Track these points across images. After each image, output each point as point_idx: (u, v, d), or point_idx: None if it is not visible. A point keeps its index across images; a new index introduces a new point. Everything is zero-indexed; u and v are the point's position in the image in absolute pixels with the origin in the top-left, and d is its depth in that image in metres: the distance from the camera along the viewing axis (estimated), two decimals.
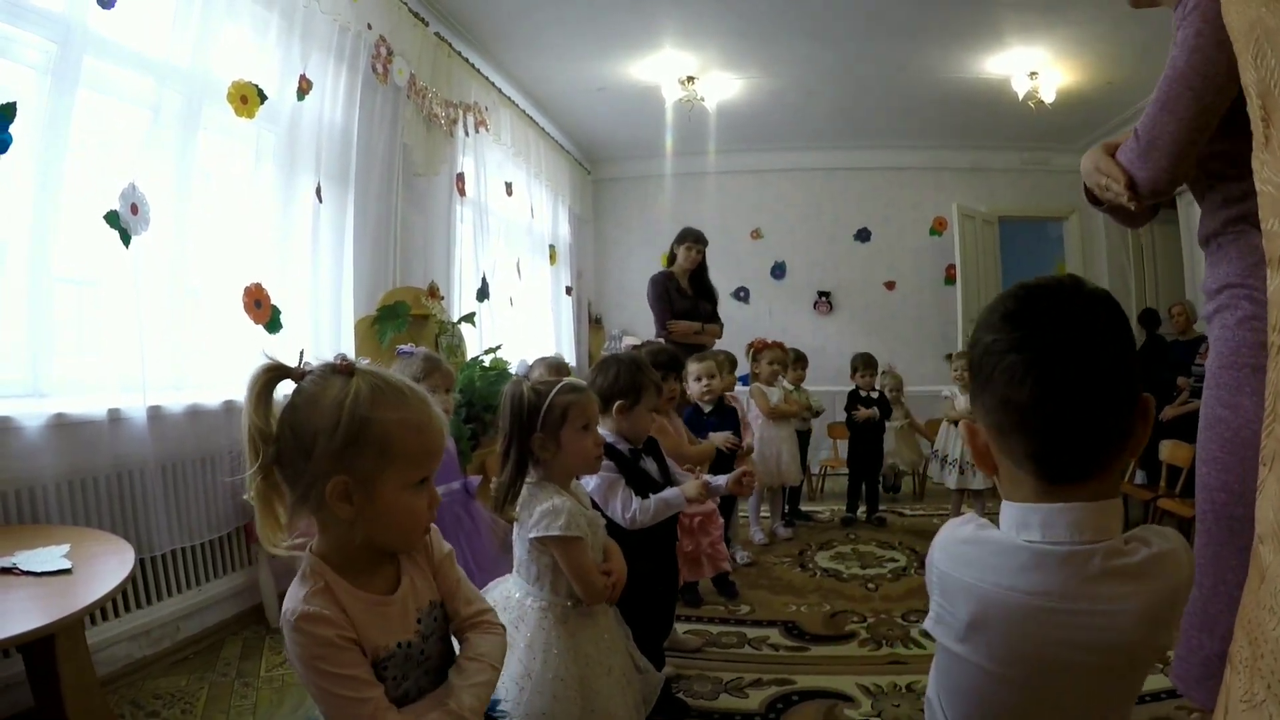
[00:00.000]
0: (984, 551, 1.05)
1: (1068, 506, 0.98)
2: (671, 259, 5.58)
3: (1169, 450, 4.71)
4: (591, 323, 9.34)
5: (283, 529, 1.23)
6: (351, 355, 3.33)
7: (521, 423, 1.93)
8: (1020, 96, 6.56)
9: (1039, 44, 5.96)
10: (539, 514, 1.86)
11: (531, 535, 1.87)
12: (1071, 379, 0.96)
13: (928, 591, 1.15)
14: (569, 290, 8.44)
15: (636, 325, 9.21)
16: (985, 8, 5.42)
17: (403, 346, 2.88)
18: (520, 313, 6.87)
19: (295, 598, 1.19)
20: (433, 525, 1.39)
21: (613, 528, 2.23)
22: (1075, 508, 0.98)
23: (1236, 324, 1.47)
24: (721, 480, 2.54)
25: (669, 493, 2.40)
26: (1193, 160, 1.52)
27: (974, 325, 1.08)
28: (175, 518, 3.11)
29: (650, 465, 2.53)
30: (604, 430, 2.33)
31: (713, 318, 5.49)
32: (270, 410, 1.22)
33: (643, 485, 2.43)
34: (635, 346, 3.61)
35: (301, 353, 1.26)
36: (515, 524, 1.95)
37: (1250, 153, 1.35)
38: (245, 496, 1.22)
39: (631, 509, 2.32)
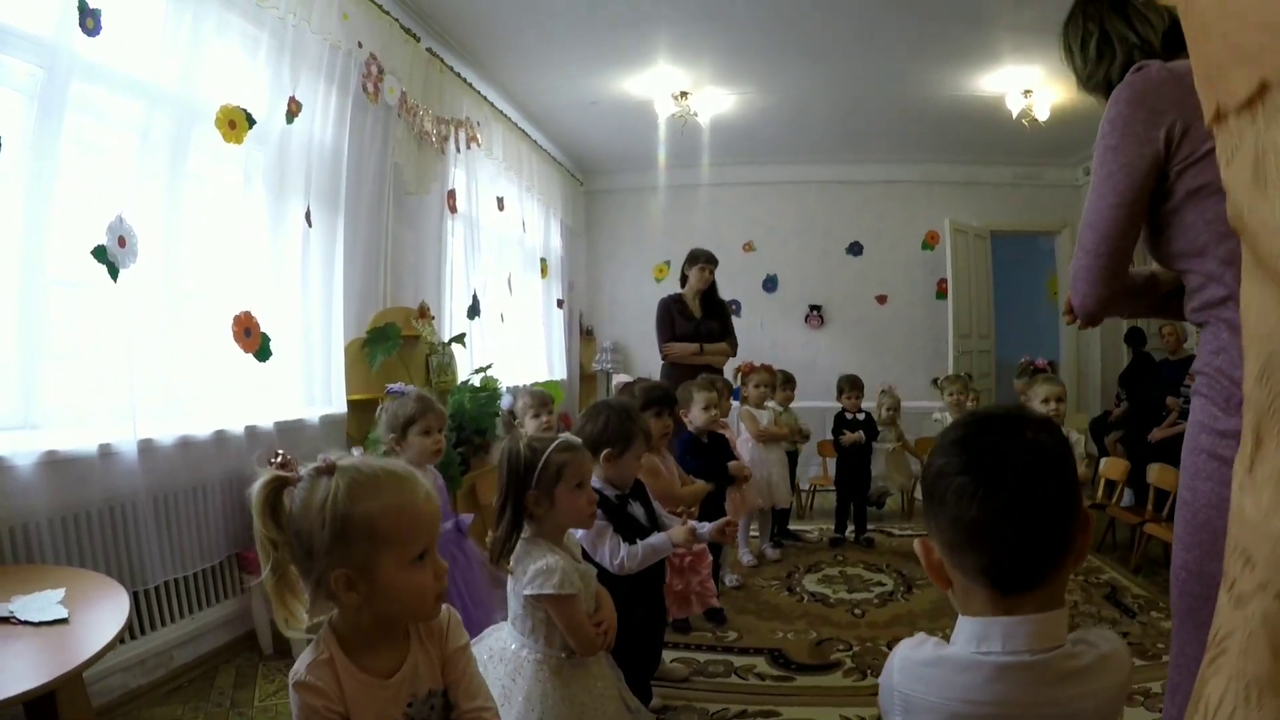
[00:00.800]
0: (947, 670, 1.10)
1: (1025, 619, 1.05)
2: (683, 280, 5.59)
3: (1156, 474, 4.71)
4: (583, 335, 9.36)
5: (297, 618, 1.31)
6: (343, 381, 3.37)
7: (517, 479, 1.98)
8: (1014, 115, 6.58)
9: (1034, 63, 5.98)
10: (533, 572, 1.91)
11: (526, 593, 1.92)
12: (1016, 498, 1.03)
13: (882, 712, 1.21)
14: (560, 303, 8.45)
15: (628, 337, 9.27)
16: (982, 28, 5.44)
17: (393, 385, 2.89)
18: (511, 328, 6.88)
19: (302, 662, 1.30)
20: (454, 613, 1.47)
21: (601, 569, 2.27)
22: (1031, 620, 1.05)
23: (1199, 409, 1.55)
24: (706, 528, 2.58)
25: (656, 539, 2.44)
26: (1117, 286, 1.65)
27: (928, 462, 1.16)
28: (168, 549, 3.10)
29: (637, 510, 2.57)
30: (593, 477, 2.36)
31: (720, 336, 5.50)
32: (279, 518, 1.30)
33: (630, 530, 2.46)
34: (626, 384, 3.61)
35: (284, 455, 1.33)
36: (509, 577, 1.99)
37: (1183, 248, 1.53)
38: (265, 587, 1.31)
39: (620, 556, 2.36)
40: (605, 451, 2.47)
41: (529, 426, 3.58)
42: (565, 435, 2.10)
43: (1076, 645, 1.08)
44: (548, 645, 1.96)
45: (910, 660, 1.16)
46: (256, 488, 1.28)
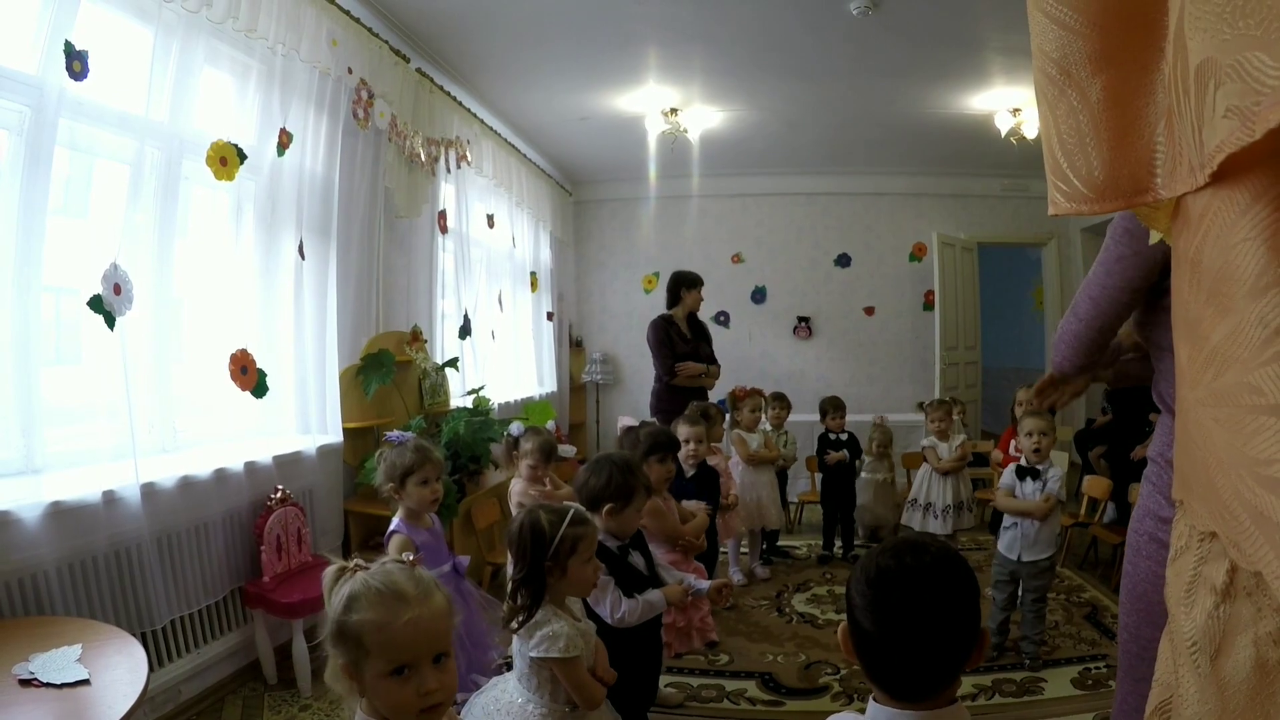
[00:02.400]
0: None
1: (911, 714, 1.27)
2: (674, 301, 5.63)
3: (1138, 494, 4.76)
4: (572, 346, 9.41)
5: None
6: (339, 410, 3.40)
7: (540, 551, 2.08)
8: (1003, 133, 6.65)
9: (1024, 84, 6.05)
10: (540, 637, 2.02)
11: (533, 655, 2.03)
12: (911, 646, 1.25)
13: None
14: (550, 315, 8.49)
15: (618, 347, 9.34)
16: (973, 50, 5.51)
17: (391, 433, 2.91)
18: (503, 345, 6.92)
19: None
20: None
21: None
22: (917, 715, 1.27)
23: (1146, 494, 1.70)
24: (704, 585, 2.71)
25: (653, 595, 2.53)
26: (1096, 358, 1.82)
27: (851, 576, 1.36)
28: (173, 588, 3.12)
29: (638, 559, 2.64)
30: None
31: (711, 359, 5.61)
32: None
33: (630, 579, 2.54)
34: (630, 429, 3.65)
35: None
36: (515, 636, 2.10)
37: (1165, 340, 1.58)
38: None
39: (621, 610, 2.45)
40: (607, 506, 2.54)
41: (523, 470, 3.64)
42: (577, 508, 2.21)
43: None
44: (552, 700, 2.07)
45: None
46: (328, 573, 1.49)
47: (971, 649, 1.27)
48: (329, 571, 1.47)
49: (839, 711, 3.42)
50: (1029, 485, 3.72)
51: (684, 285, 5.60)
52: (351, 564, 1.47)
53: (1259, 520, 0.76)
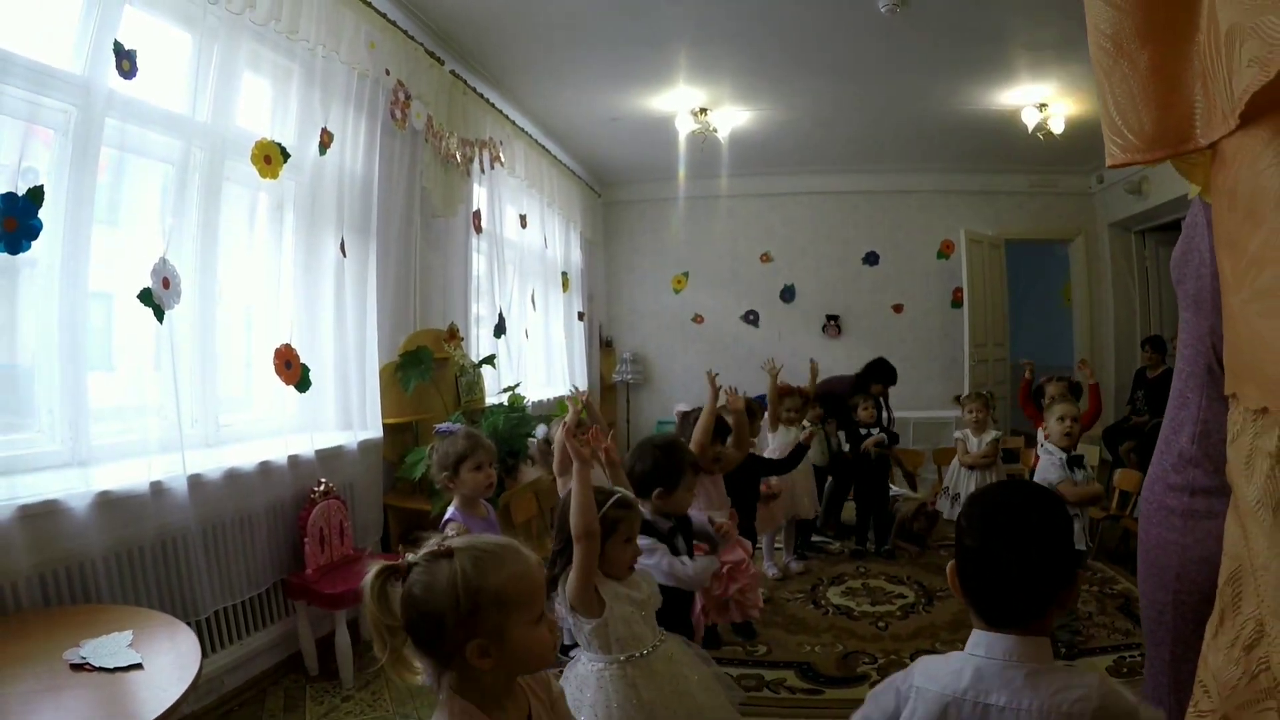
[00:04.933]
0: (952, 661, 1.49)
1: (1004, 637, 1.43)
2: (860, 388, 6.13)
3: None
4: (603, 346, 9.47)
5: (416, 675, 1.43)
6: (379, 405, 3.43)
7: None
8: (1030, 129, 6.64)
9: (1050, 79, 6.05)
10: (561, 591, 2.08)
11: (564, 610, 2.09)
12: (1006, 569, 1.43)
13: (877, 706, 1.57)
14: (580, 316, 8.55)
15: (648, 347, 9.44)
16: (999, 46, 5.52)
17: (441, 425, 2.96)
18: (536, 344, 6.99)
19: None
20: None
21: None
22: (1009, 638, 1.43)
23: (1155, 463, 1.73)
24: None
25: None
26: None
27: (968, 510, 1.57)
28: (217, 579, 3.16)
29: (679, 544, 2.67)
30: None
31: None
32: (391, 605, 1.39)
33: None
34: (686, 412, 3.74)
35: (402, 551, 1.43)
36: (569, 615, 2.13)
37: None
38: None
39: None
40: (657, 490, 2.58)
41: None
42: (621, 491, 2.23)
43: (1061, 670, 1.41)
44: (603, 652, 2.09)
45: (928, 660, 1.55)
46: (369, 580, 1.39)
47: (1063, 581, 1.43)
48: (372, 577, 1.38)
49: None
50: (1079, 475, 3.77)
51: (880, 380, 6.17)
52: (404, 560, 1.41)
53: None
